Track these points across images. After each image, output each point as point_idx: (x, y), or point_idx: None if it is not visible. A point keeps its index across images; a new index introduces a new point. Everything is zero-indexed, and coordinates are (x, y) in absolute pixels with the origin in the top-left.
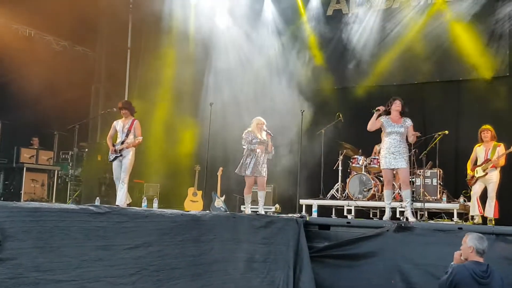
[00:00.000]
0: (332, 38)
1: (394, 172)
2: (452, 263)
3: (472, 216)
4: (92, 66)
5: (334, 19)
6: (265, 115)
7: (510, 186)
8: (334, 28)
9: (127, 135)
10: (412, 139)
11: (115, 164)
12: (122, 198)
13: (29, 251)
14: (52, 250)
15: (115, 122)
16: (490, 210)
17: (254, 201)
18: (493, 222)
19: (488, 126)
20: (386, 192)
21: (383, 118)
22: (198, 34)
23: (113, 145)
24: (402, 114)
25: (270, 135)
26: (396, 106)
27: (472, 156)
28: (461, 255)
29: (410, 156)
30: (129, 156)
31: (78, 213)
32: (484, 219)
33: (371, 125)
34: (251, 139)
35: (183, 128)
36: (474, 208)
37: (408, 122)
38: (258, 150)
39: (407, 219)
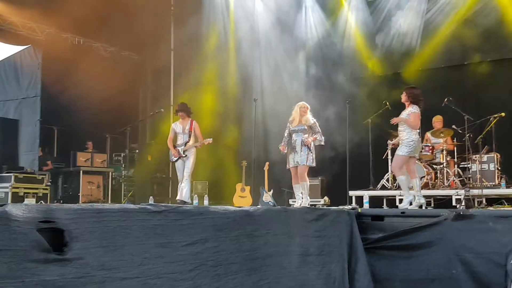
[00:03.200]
0: (375, 24)
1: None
2: None
3: None
4: (138, 69)
5: (375, 4)
6: (313, 105)
7: None
8: (377, 14)
9: (189, 136)
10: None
11: (178, 164)
12: (187, 193)
13: (94, 250)
14: (115, 249)
15: (173, 125)
16: None
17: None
18: None
19: None
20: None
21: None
22: (241, 26)
23: (175, 147)
24: (411, 102)
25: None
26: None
27: None
28: None
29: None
30: (192, 156)
31: (137, 213)
32: None
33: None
34: (287, 130)
35: (228, 124)
36: None
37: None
38: (294, 138)
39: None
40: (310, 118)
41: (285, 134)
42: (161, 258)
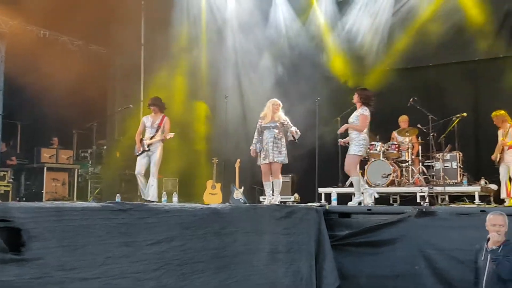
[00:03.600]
0: (344, 24)
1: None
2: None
3: (504, 199)
4: (107, 64)
5: (345, 4)
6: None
7: None
8: (346, 15)
9: (157, 131)
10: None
11: (141, 158)
12: (154, 192)
13: (54, 250)
14: (76, 249)
15: (144, 118)
16: None
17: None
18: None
19: (494, 113)
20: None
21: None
22: (212, 22)
23: (142, 140)
24: (363, 103)
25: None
26: None
27: (499, 141)
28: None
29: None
30: (158, 151)
31: (100, 211)
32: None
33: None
34: (259, 126)
35: (199, 121)
36: (503, 191)
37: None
38: (266, 135)
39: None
40: (282, 115)
41: (256, 131)
42: (125, 258)
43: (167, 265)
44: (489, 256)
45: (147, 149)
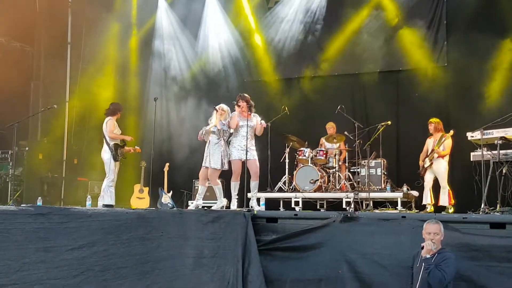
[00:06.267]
0: (274, 28)
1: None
2: (424, 255)
3: (425, 205)
4: (31, 62)
5: (275, 8)
6: (209, 111)
7: (460, 174)
8: (276, 17)
9: None
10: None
11: (115, 165)
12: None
13: None
14: None
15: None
16: (445, 199)
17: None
18: (452, 209)
19: (432, 119)
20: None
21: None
22: (143, 22)
23: (121, 147)
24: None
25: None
26: None
27: (424, 148)
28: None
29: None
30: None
31: (17, 215)
32: (442, 208)
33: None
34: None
35: (127, 124)
36: (427, 198)
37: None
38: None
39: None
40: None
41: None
42: (43, 263)
43: (88, 271)
44: (423, 264)
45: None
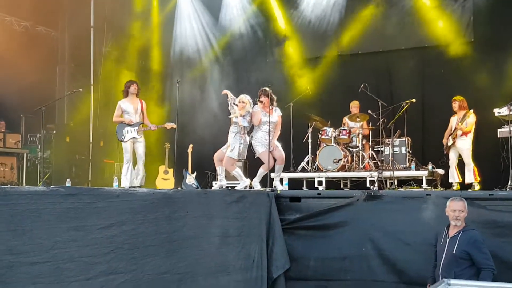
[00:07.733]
0: (297, 9)
1: None
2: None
3: (451, 184)
4: (55, 46)
5: None
6: (233, 91)
7: (486, 151)
8: None
9: (140, 117)
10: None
11: (128, 145)
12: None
13: (1, 234)
14: (24, 233)
15: (121, 103)
16: (470, 176)
17: (226, 177)
18: (478, 187)
19: (457, 97)
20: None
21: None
22: (164, 6)
23: (130, 125)
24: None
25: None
26: None
27: (449, 126)
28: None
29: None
30: (143, 138)
31: (48, 195)
32: (468, 186)
33: None
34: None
35: (152, 106)
36: (453, 176)
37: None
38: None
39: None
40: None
41: None
42: (74, 242)
43: (118, 249)
44: (447, 241)
45: (138, 136)
